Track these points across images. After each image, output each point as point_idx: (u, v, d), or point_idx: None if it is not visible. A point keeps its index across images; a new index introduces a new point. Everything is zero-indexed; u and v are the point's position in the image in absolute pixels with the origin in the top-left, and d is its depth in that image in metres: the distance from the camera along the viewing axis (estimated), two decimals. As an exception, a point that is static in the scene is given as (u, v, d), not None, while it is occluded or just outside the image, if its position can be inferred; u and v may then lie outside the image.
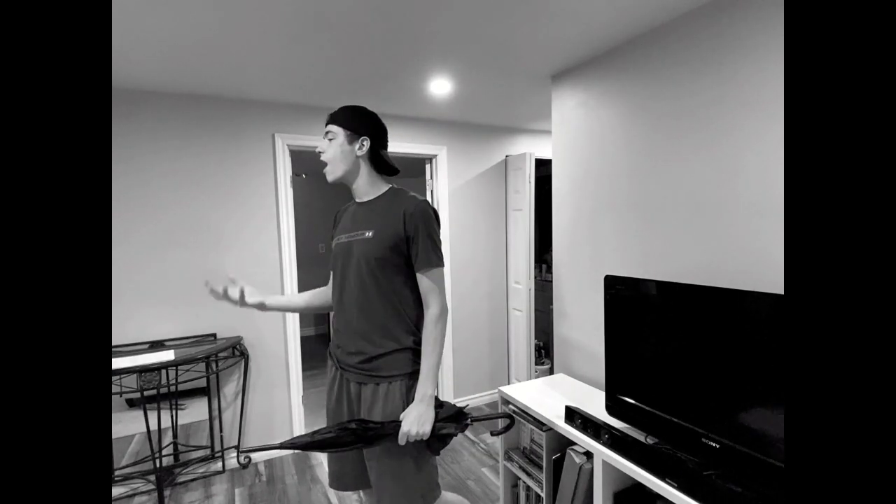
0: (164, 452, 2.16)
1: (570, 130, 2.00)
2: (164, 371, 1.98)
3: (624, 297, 1.47)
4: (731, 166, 1.37)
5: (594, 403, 1.65)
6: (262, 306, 1.32)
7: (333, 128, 1.23)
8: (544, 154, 3.07)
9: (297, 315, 2.56)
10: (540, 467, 1.65)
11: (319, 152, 1.25)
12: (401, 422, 1.14)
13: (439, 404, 1.20)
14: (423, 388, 1.15)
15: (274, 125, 2.44)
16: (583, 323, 1.96)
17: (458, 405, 1.24)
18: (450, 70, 1.98)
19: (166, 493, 2.16)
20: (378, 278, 1.18)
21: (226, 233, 2.36)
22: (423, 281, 1.19)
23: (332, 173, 1.24)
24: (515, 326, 3.18)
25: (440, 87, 2.21)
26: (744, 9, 1.31)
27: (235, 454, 2.42)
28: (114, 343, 2.14)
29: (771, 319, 1.09)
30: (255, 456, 2.48)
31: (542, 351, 3.52)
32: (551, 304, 2.21)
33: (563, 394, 1.80)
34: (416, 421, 1.12)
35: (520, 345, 3.14)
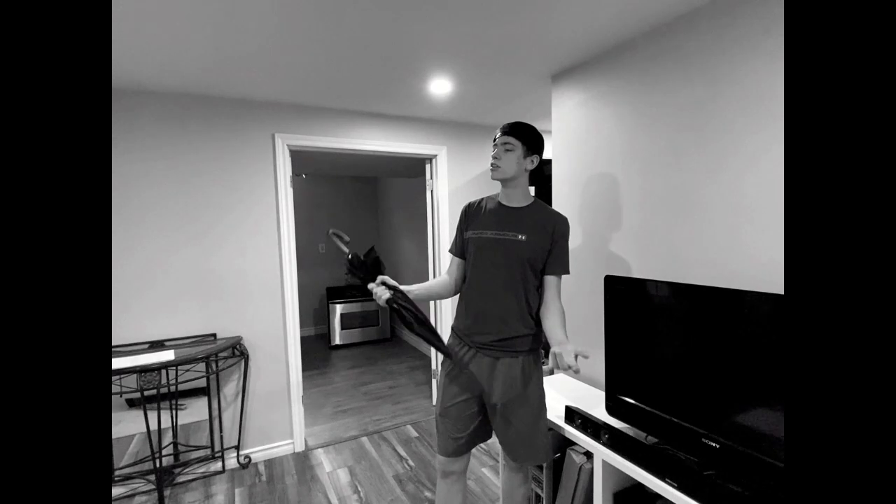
0: (164, 452, 2.16)
1: (570, 130, 2.00)
2: (164, 371, 1.97)
3: (624, 297, 1.47)
4: (731, 165, 1.37)
5: (594, 403, 1.65)
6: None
7: (513, 140, 1.40)
8: (545, 154, 3.06)
9: (297, 315, 2.57)
10: (540, 467, 1.65)
11: (495, 157, 1.42)
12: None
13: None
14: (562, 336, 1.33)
15: (274, 125, 2.44)
16: (583, 323, 1.96)
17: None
18: (450, 70, 1.98)
19: (166, 493, 2.16)
20: (524, 275, 1.39)
21: (226, 233, 2.36)
22: (554, 281, 1.42)
23: (502, 174, 1.42)
24: (515, 326, 3.17)
25: (440, 87, 2.21)
26: (744, 8, 1.31)
27: (235, 454, 2.42)
28: (114, 343, 2.14)
29: (771, 319, 1.09)
30: (255, 456, 2.48)
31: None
32: (551, 304, 2.21)
33: (563, 394, 1.80)
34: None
35: (520, 345, 3.13)
